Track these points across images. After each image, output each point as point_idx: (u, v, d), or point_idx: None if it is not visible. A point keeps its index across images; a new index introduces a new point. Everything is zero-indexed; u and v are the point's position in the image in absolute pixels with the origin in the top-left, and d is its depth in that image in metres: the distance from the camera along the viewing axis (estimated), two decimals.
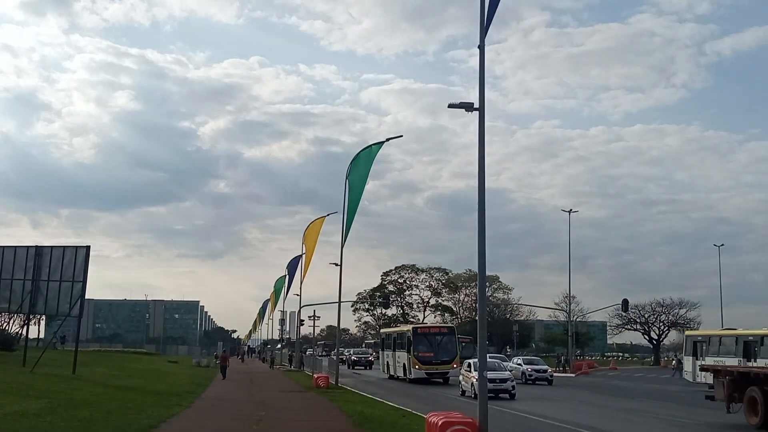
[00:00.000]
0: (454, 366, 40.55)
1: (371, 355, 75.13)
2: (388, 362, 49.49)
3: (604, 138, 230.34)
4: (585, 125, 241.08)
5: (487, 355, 51.84)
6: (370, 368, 67.40)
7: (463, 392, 32.14)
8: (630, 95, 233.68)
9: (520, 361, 48.03)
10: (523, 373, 45.00)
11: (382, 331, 63.47)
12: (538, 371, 45.58)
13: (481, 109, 14.16)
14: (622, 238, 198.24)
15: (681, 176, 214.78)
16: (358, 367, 68.98)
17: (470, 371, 31.48)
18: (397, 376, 45.70)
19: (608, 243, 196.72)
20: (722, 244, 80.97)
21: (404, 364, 43.96)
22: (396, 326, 74.58)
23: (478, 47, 14.11)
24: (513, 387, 31.90)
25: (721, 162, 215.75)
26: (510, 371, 36.48)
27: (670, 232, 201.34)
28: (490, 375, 27.43)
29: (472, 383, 29.48)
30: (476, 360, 32.29)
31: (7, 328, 63.99)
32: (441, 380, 41.48)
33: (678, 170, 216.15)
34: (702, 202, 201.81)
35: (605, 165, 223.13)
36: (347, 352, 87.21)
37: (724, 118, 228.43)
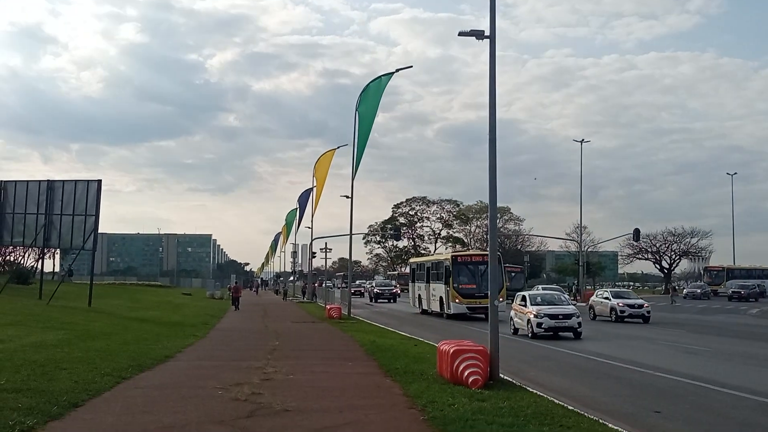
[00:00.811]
0: (501, 300, 33.42)
1: (396, 287, 69.57)
2: (419, 295, 44.09)
3: (617, 66, 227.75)
4: (597, 54, 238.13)
5: (542, 286, 51.08)
6: (395, 301, 62.43)
7: (516, 330, 27.54)
8: (644, 22, 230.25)
9: (607, 295, 39.27)
10: (612, 308, 37.01)
11: (412, 260, 55.43)
12: (631, 306, 36.74)
13: (492, 38, 13.92)
14: (634, 168, 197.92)
15: (694, 104, 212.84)
16: (381, 301, 63.33)
17: (525, 306, 27.23)
18: (432, 311, 40.62)
19: (620, 173, 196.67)
20: (735, 173, 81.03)
21: (441, 298, 39.29)
22: (429, 254, 72.66)
23: None
24: (579, 324, 26.20)
25: (736, 90, 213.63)
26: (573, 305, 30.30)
27: (683, 161, 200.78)
28: (552, 310, 26.28)
29: (529, 320, 26.17)
30: (531, 292, 31.00)
31: (22, 262, 64.86)
32: (483, 316, 33.88)
33: (691, 98, 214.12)
34: (715, 131, 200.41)
35: (618, 94, 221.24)
36: (368, 283, 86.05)
37: (739, 44, 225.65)
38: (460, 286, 36.98)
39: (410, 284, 48.56)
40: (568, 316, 26.13)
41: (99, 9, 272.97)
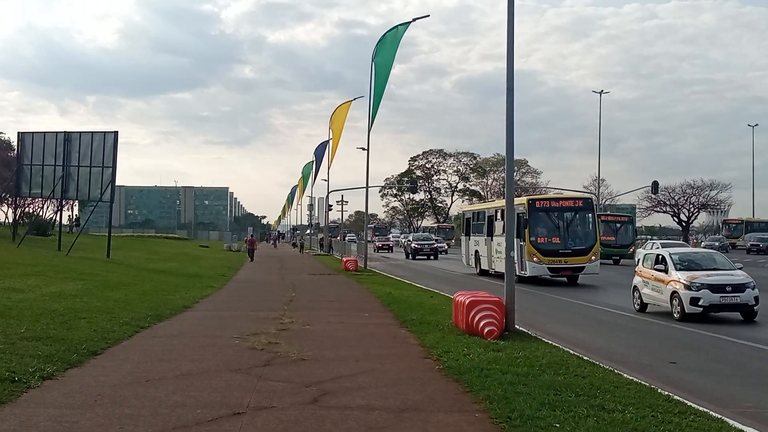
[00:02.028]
0: (592, 258, 28.71)
1: (436, 241, 60.69)
2: (477, 252, 34.58)
3: (638, 16, 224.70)
4: (618, 3, 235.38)
5: (660, 242, 43.23)
6: (436, 258, 53.67)
7: (643, 306, 19.11)
8: None
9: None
10: None
11: (467, 208, 44.06)
12: None
13: None
14: (654, 120, 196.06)
15: (716, 55, 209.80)
16: (420, 257, 53.92)
17: (665, 271, 18.07)
18: (495, 272, 30.98)
19: (639, 125, 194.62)
20: (756, 124, 79.85)
21: None
22: (473, 204, 65.69)
23: None
24: (756, 300, 17.10)
25: (759, 39, 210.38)
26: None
27: (703, 112, 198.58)
28: (714, 278, 17.30)
29: (675, 292, 17.34)
30: (674, 251, 20.46)
31: (41, 213, 65.33)
32: (566, 279, 29.61)
33: (713, 48, 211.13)
34: (737, 81, 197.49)
35: (638, 44, 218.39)
36: (402, 237, 79.60)
37: None
38: (539, 240, 28.77)
39: (463, 238, 38.88)
40: (739, 288, 17.08)
41: None
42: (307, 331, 13.53)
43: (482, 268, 33.35)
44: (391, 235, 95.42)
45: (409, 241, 58.68)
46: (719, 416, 7.72)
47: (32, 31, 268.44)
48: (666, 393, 8.67)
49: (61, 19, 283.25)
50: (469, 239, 36.33)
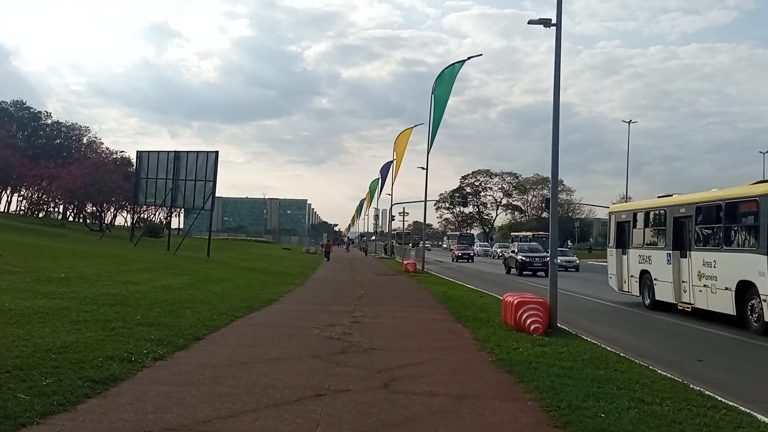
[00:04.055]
0: None
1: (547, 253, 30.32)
2: (646, 274, 19.53)
3: (662, 56, 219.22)
4: (644, 45, 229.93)
5: None
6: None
7: None
8: (687, 16, 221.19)
9: None
10: None
11: (622, 207, 24.62)
12: None
13: (558, 25, 13.32)
14: (674, 147, 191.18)
15: (731, 90, 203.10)
16: (527, 272, 36.38)
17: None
18: (690, 307, 17.04)
19: (661, 151, 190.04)
20: (767, 151, 76.42)
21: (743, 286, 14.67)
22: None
23: None
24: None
25: None
26: None
27: (719, 140, 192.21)
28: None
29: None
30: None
31: (154, 218, 66.72)
32: None
33: (728, 85, 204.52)
34: (749, 114, 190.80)
35: (661, 81, 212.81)
36: (498, 246, 68.73)
37: None
38: None
39: (613, 252, 22.27)
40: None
41: (216, 7, 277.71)
42: (375, 324, 13.34)
43: (658, 298, 18.73)
44: (477, 245, 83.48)
45: (513, 252, 40.11)
46: (747, 410, 7.25)
47: (148, 67, 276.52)
48: (698, 389, 8.21)
49: (172, 57, 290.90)
50: (627, 253, 21.12)
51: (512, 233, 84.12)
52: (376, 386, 7.77)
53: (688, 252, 17.26)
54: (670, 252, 18.02)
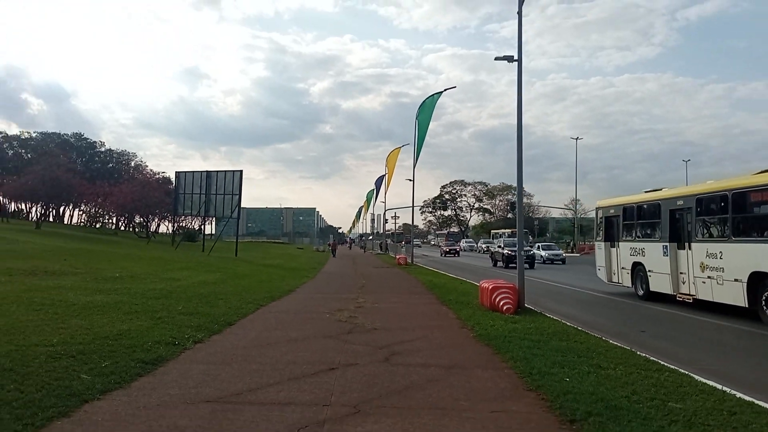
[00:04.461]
0: None
1: (531, 247, 39.18)
2: (639, 266, 16.88)
3: (601, 85, 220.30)
4: (586, 76, 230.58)
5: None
6: (533, 267, 33.30)
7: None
8: (620, 53, 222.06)
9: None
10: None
11: (613, 202, 19.19)
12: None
13: (519, 60, 13.23)
14: (613, 158, 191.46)
15: (657, 111, 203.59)
16: (513, 265, 28.22)
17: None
18: (693, 298, 14.18)
19: (602, 161, 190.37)
20: (689, 160, 76.70)
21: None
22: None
23: (517, 13, 13.07)
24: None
25: (688, 100, 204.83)
26: None
27: (649, 152, 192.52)
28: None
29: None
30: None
31: (190, 226, 66.35)
32: None
33: (655, 107, 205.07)
34: (673, 130, 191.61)
35: (601, 105, 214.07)
36: (483, 243, 64.52)
37: (690, 67, 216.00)
38: None
39: (601, 245, 19.67)
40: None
41: (237, 54, 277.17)
42: (376, 308, 13.20)
43: (653, 289, 16.04)
44: (464, 242, 78.86)
45: (500, 247, 36.60)
46: (686, 372, 7.16)
47: (183, 103, 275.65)
48: (644, 354, 8.10)
49: (202, 95, 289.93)
50: (617, 246, 18.33)
51: (492, 231, 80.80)
52: (379, 360, 7.64)
53: (686, 244, 14.56)
54: (667, 244, 15.34)
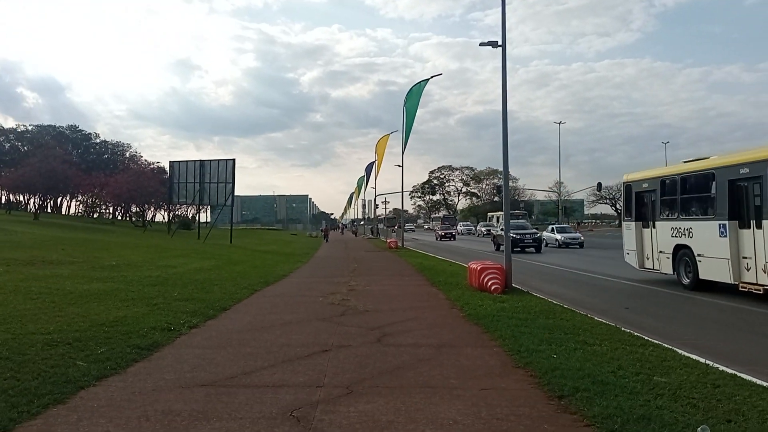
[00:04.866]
0: None
1: (537, 230, 34.49)
2: (681, 249, 13.75)
3: (582, 71, 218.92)
4: (568, 62, 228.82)
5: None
6: (539, 251, 29.60)
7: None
8: (600, 39, 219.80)
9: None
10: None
11: (643, 175, 15.89)
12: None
13: (504, 45, 13.10)
14: (594, 141, 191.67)
15: (636, 95, 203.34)
16: (517, 249, 28.66)
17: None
18: (760, 289, 11.01)
19: (584, 145, 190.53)
20: (667, 142, 77.36)
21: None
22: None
23: (501, 1, 12.91)
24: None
25: (665, 84, 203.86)
26: None
27: (628, 135, 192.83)
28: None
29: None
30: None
31: (185, 215, 65.94)
32: None
33: (634, 91, 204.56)
34: (651, 113, 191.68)
35: (582, 90, 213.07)
36: (482, 226, 60.01)
37: (667, 52, 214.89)
38: None
39: (630, 225, 16.37)
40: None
41: (228, 45, 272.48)
42: (368, 291, 13.14)
43: (702, 277, 13.01)
44: (461, 225, 73.00)
45: (503, 230, 19.50)
46: (670, 347, 7.15)
47: (176, 94, 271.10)
48: (628, 330, 8.10)
49: (194, 86, 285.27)
50: (653, 226, 15.30)
51: (488, 213, 75.90)
52: (370, 341, 7.58)
53: (754, 222, 11.43)
54: (725, 222, 12.11)
